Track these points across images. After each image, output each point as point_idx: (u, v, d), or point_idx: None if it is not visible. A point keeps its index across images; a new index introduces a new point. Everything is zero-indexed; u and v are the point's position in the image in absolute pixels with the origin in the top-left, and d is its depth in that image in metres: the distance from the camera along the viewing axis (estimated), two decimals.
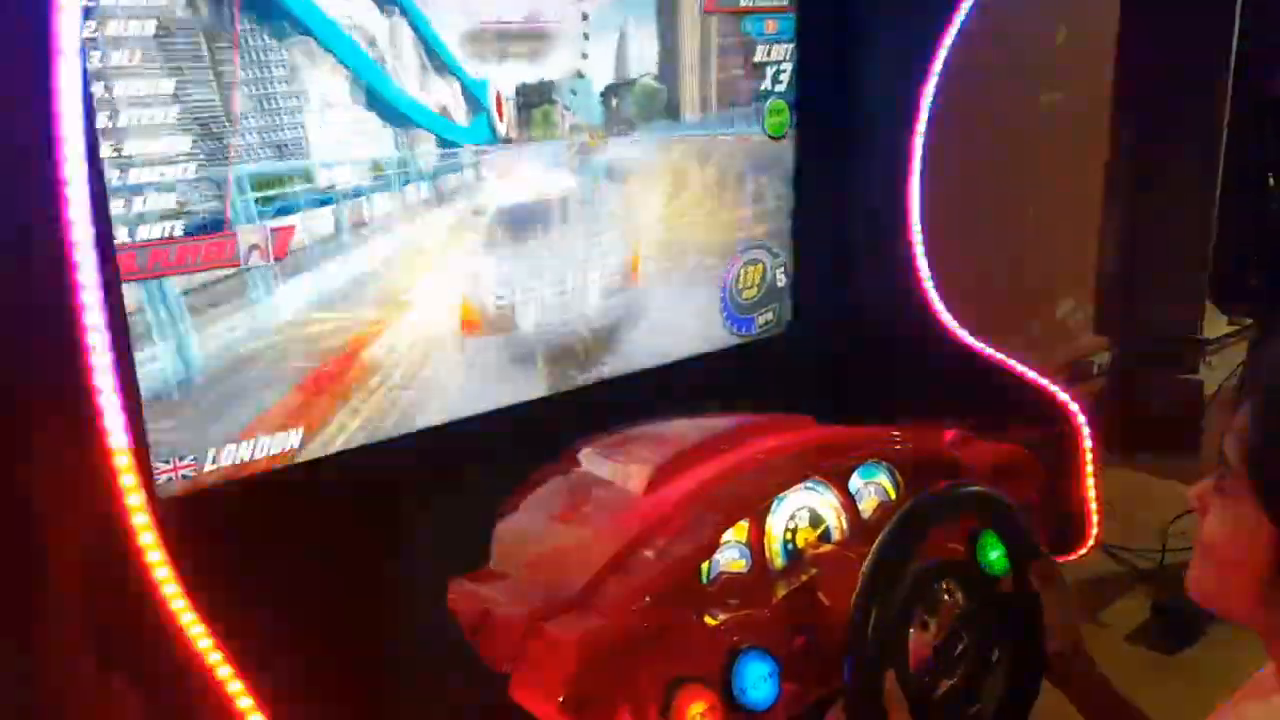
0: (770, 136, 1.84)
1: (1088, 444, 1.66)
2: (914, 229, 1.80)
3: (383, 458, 1.42)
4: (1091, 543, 1.67)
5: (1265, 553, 0.84)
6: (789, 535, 1.33)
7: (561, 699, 1.10)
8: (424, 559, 1.31)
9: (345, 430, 1.40)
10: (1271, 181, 2.26)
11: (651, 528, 1.25)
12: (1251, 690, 0.97)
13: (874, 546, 1.16)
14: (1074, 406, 1.67)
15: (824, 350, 1.87)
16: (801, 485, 1.33)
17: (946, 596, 1.24)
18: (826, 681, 1.25)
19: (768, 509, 1.30)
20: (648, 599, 1.17)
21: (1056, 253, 3.30)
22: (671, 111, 1.69)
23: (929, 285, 1.82)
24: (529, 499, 1.41)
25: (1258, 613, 0.87)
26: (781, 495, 1.30)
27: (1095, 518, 1.70)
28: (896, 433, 1.46)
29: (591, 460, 1.45)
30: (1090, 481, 1.67)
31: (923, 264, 1.81)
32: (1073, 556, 1.66)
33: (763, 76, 1.79)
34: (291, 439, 1.35)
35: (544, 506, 1.38)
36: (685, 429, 1.49)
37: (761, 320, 1.89)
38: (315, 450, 1.37)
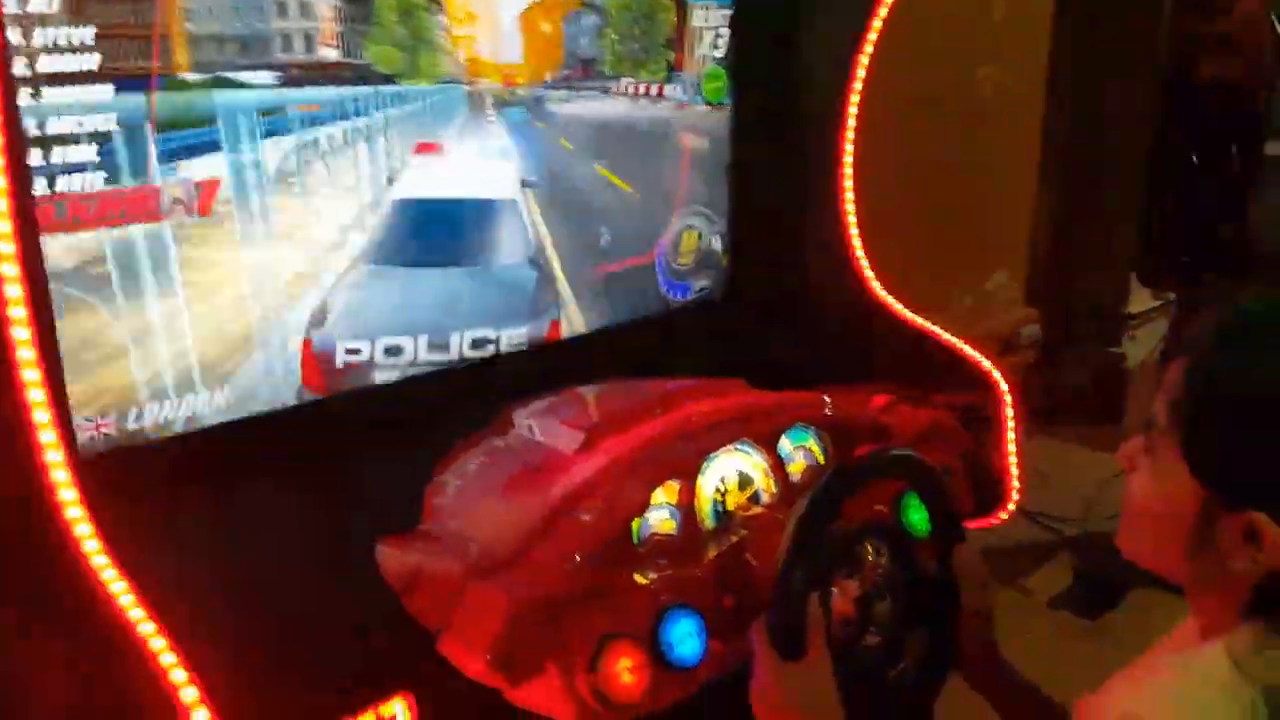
0: (707, 104, 1.85)
1: (1010, 411, 1.70)
2: (847, 199, 1.82)
3: (313, 419, 1.41)
4: (1012, 505, 1.72)
5: (1189, 507, 0.88)
6: (719, 497, 1.35)
7: (490, 654, 1.11)
8: (355, 520, 1.31)
9: (270, 389, 1.39)
10: (1196, 162, 2.32)
11: (583, 488, 1.26)
12: (1172, 642, 1.01)
13: (800, 505, 1.18)
14: (997, 374, 1.71)
15: (758, 317, 1.89)
16: (731, 447, 1.34)
17: (871, 558, 1.27)
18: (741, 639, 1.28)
19: (698, 470, 1.32)
20: (578, 558, 1.18)
21: (991, 226, 3.36)
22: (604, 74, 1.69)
23: (861, 255, 1.84)
24: (461, 461, 1.41)
25: (1182, 566, 0.91)
26: (711, 456, 1.32)
27: (1016, 482, 1.74)
28: (825, 398, 1.48)
29: (524, 423, 1.45)
30: (1011, 447, 1.71)
31: (855, 234, 1.83)
32: (994, 519, 1.70)
33: (700, 42, 1.79)
34: (219, 397, 1.33)
35: (476, 468, 1.39)
36: (618, 392, 1.51)
37: (697, 286, 1.90)
38: (243, 408, 1.36)
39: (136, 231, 1.21)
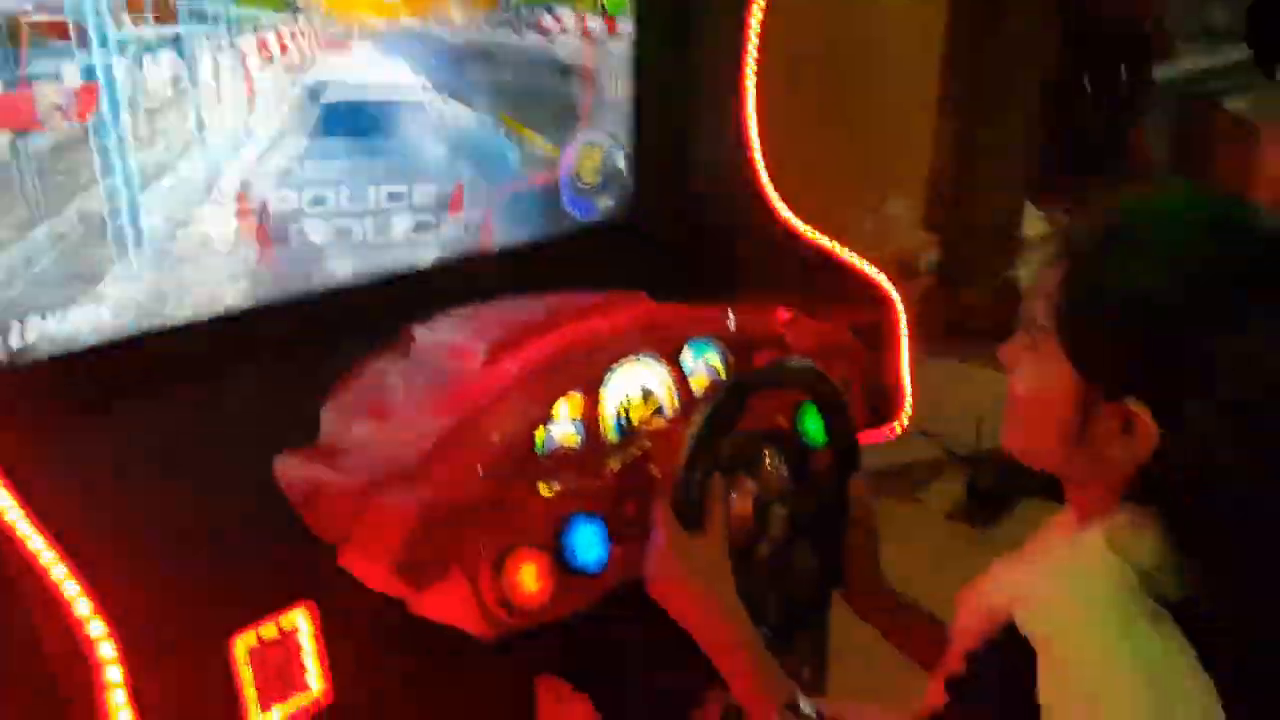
0: (609, 16, 1.82)
1: (904, 327, 1.75)
2: (749, 117, 1.83)
3: (209, 335, 1.39)
4: (905, 419, 1.77)
5: (1069, 401, 0.91)
6: (622, 410, 1.36)
7: (393, 565, 1.12)
8: (252, 436, 1.29)
9: (167, 306, 1.35)
10: (1089, 88, 2.39)
11: (485, 401, 1.26)
12: (1049, 533, 1.06)
13: (705, 405, 1.20)
14: (893, 292, 1.75)
15: (663, 235, 1.90)
16: (634, 360, 1.36)
17: (769, 465, 1.30)
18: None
19: (600, 382, 1.33)
20: (481, 470, 1.19)
21: (891, 151, 3.41)
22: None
23: (763, 173, 1.85)
24: (361, 377, 1.40)
25: (1060, 458, 0.95)
26: (614, 369, 1.33)
27: (909, 397, 1.80)
28: (728, 311, 1.50)
29: (426, 338, 1.44)
30: (905, 362, 1.76)
31: (758, 152, 1.85)
32: (887, 433, 1.76)
33: None
34: (109, 312, 1.29)
35: (377, 383, 1.38)
36: (521, 306, 1.50)
37: (602, 205, 1.89)
38: (138, 325, 1.32)
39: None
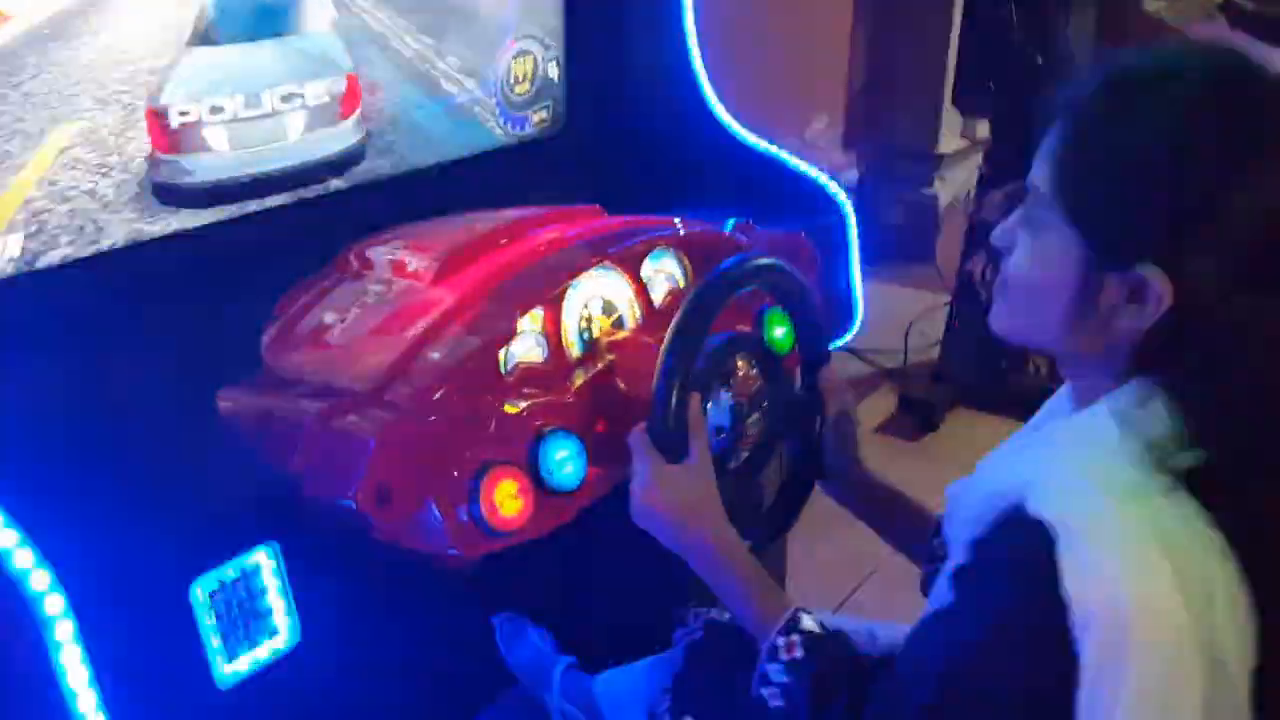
0: None
1: (854, 234, 1.72)
2: (688, 20, 1.76)
3: (138, 262, 1.28)
4: (856, 325, 1.75)
5: (1074, 271, 0.88)
6: (584, 324, 1.30)
7: (361, 492, 1.05)
8: (193, 368, 1.19)
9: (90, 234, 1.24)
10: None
11: (443, 318, 1.19)
12: (1052, 411, 1.04)
13: (677, 314, 1.14)
14: (841, 197, 1.72)
15: (602, 147, 1.82)
16: (594, 271, 1.29)
17: (742, 371, 1.26)
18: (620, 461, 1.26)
19: (562, 296, 1.27)
20: (444, 390, 1.12)
21: (814, 69, 3.37)
22: None
23: (704, 78, 1.79)
24: (302, 301, 1.31)
25: (1061, 334, 0.91)
26: (575, 282, 1.27)
27: (860, 306, 1.77)
28: (683, 221, 1.44)
29: (368, 257, 1.36)
30: (856, 270, 1.73)
31: (697, 57, 1.78)
32: (846, 337, 1.73)
33: None
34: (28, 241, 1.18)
35: (317, 308, 1.29)
36: (469, 222, 1.42)
37: (536, 118, 1.81)
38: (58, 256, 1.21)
39: None
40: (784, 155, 1.77)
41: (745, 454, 1.25)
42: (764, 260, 1.24)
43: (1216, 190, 0.80)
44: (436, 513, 1.07)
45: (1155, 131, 0.83)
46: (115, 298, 1.23)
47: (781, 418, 1.27)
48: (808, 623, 1.02)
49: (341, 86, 1.49)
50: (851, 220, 1.71)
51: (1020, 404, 1.25)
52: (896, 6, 3.54)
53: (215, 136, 1.35)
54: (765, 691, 1.02)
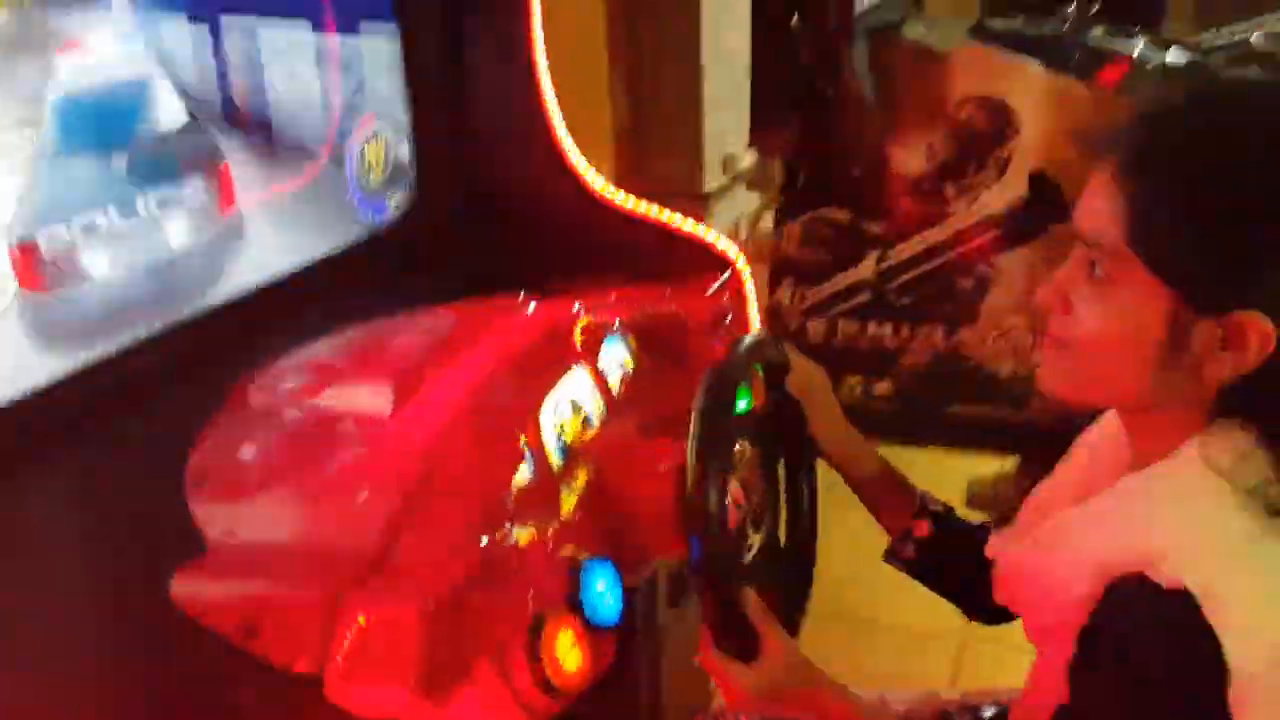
0: None
1: (749, 283, 1.68)
2: (544, 85, 1.66)
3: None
4: None
5: (1161, 321, 0.85)
6: (559, 430, 1.18)
7: (413, 678, 0.88)
8: (120, 557, 0.97)
9: None
10: (796, 21, 2.44)
11: (435, 455, 1.03)
12: (1099, 475, 1.01)
13: (694, 421, 1.05)
14: (734, 253, 1.68)
15: (465, 227, 1.69)
16: (568, 373, 1.18)
17: (738, 456, 1.18)
18: (640, 569, 1.16)
19: (539, 406, 1.14)
20: (474, 540, 0.97)
21: (576, 122, 3.31)
22: None
23: (566, 140, 1.69)
24: (231, 455, 1.10)
25: (1142, 389, 0.89)
26: (557, 387, 1.15)
27: None
28: (620, 295, 1.35)
29: (287, 393, 1.16)
30: (756, 316, 1.69)
31: (557, 118, 1.68)
32: None
33: None
34: None
35: (260, 459, 1.09)
36: (391, 333, 1.26)
37: (394, 203, 1.64)
38: None
39: None
40: (661, 214, 1.71)
41: (759, 534, 1.17)
42: (756, 338, 1.18)
43: None
44: (495, 684, 0.91)
45: (1246, 170, 0.83)
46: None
47: (777, 459, 1.21)
48: None
49: (217, 179, 1.30)
50: (745, 273, 1.67)
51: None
52: (647, 51, 3.56)
53: (94, 261, 1.13)
54: None
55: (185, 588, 0.95)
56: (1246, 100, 0.87)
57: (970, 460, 2.98)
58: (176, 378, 1.21)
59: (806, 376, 1.22)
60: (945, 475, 2.94)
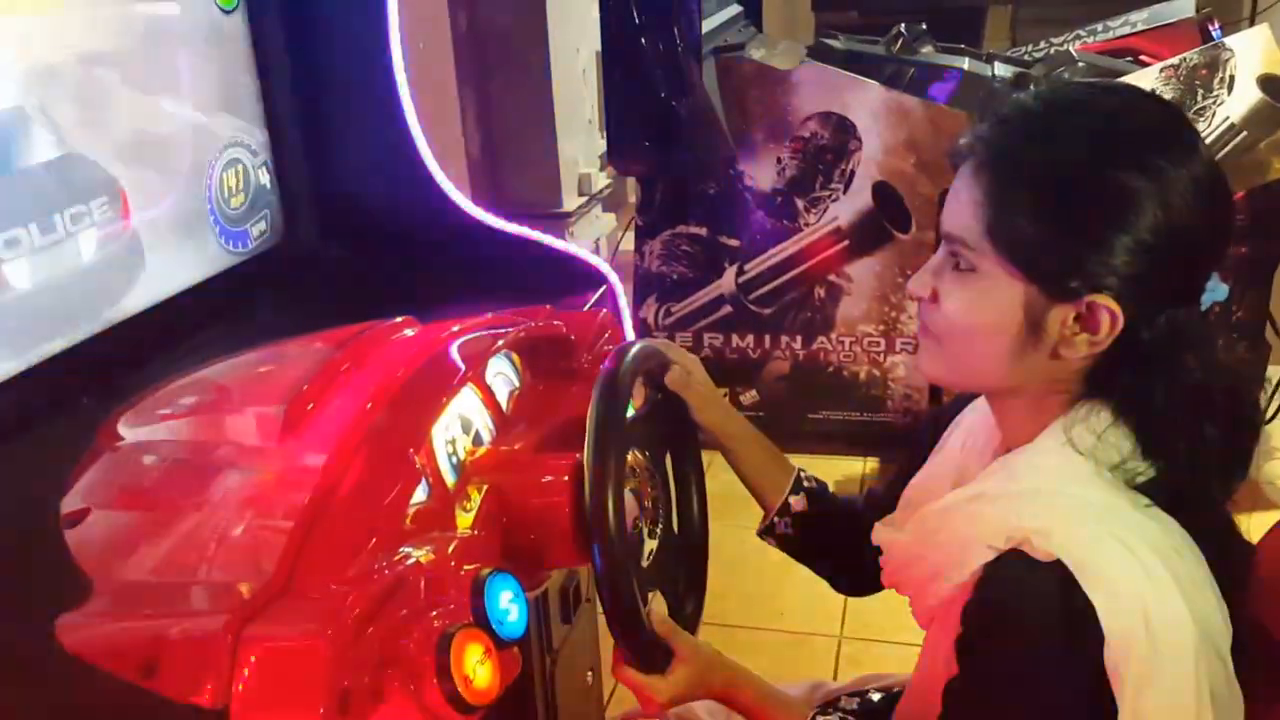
0: (220, 9, 1.54)
1: (624, 300, 1.71)
2: (403, 98, 1.65)
3: None
4: None
5: (1018, 309, 0.92)
6: (450, 449, 1.18)
7: (324, 706, 0.86)
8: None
9: None
10: (644, 44, 2.49)
11: (329, 478, 1.02)
12: (969, 460, 1.08)
13: (589, 430, 1.07)
14: (605, 268, 1.71)
15: (331, 254, 1.67)
16: (458, 393, 1.17)
17: (637, 459, 1.20)
18: (537, 582, 1.17)
19: (433, 423, 1.14)
20: (372, 560, 0.96)
21: (432, 145, 3.29)
22: None
23: (430, 161, 1.70)
24: (110, 491, 1.06)
25: (1006, 372, 0.95)
26: (446, 406, 1.14)
27: None
28: (501, 314, 1.36)
29: (164, 426, 1.13)
30: (630, 328, 1.73)
31: (419, 138, 1.68)
32: None
33: None
34: None
35: (141, 491, 1.05)
36: (269, 362, 1.24)
37: (256, 231, 1.61)
38: None
39: None
40: (532, 234, 1.72)
41: (656, 527, 1.20)
42: (645, 345, 1.20)
43: (1148, 207, 0.88)
44: (404, 705, 0.90)
45: (1072, 162, 0.89)
46: None
47: (662, 458, 1.24)
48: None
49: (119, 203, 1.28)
50: (620, 290, 1.70)
51: None
52: (496, 76, 3.58)
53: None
54: None
55: (73, 630, 0.91)
56: (1086, 100, 0.94)
57: (833, 463, 3.10)
58: (38, 415, 1.16)
59: (682, 368, 1.25)
60: None
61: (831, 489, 1.33)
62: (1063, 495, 0.93)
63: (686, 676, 1.08)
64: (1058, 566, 0.87)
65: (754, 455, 1.29)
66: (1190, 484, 0.93)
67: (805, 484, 1.30)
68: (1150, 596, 0.87)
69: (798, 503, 1.28)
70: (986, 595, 0.92)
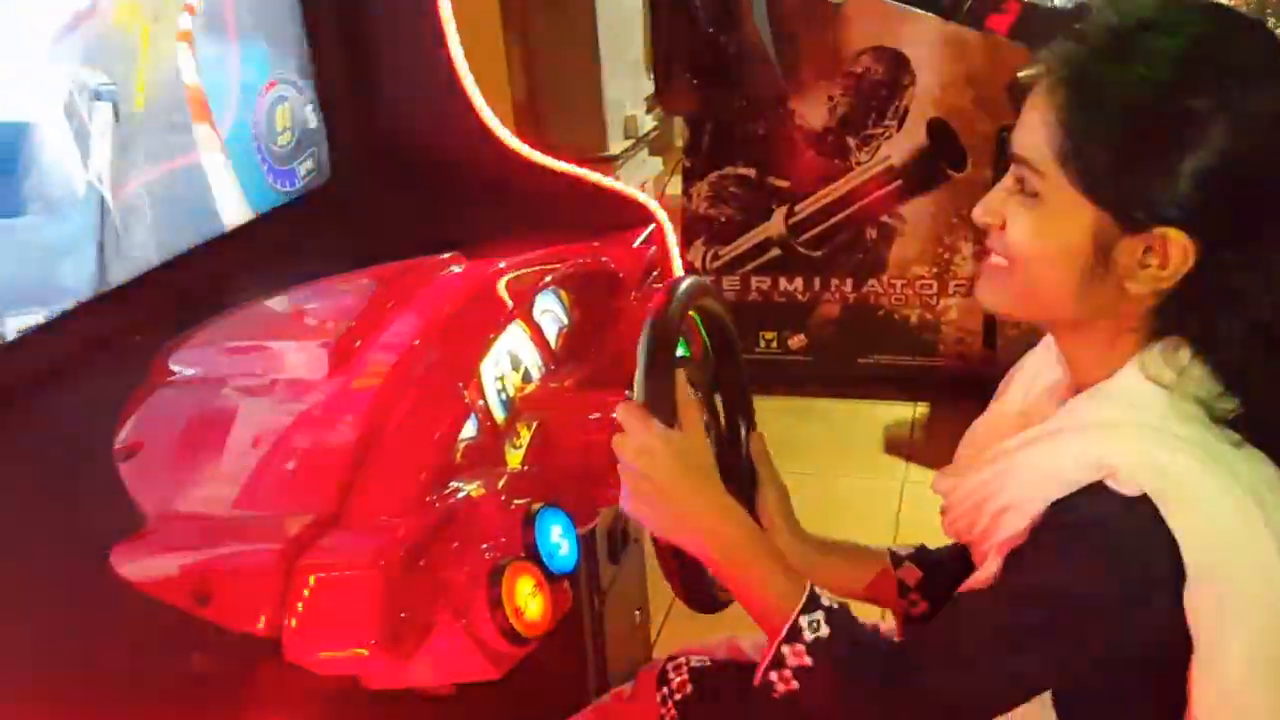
0: None
1: (673, 239, 1.69)
2: (450, 34, 1.63)
3: None
4: None
5: (1087, 238, 0.88)
6: (500, 385, 1.17)
7: (375, 634, 0.87)
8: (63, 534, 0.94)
9: None
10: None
11: (377, 412, 1.01)
12: (1036, 404, 1.04)
13: (640, 363, 1.05)
14: (654, 205, 1.68)
15: (378, 192, 1.65)
16: (506, 329, 1.16)
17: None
18: (588, 519, 1.16)
19: (480, 360, 1.13)
20: (424, 493, 0.96)
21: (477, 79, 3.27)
22: None
23: (477, 98, 1.67)
24: (162, 426, 1.07)
25: (1073, 304, 0.91)
26: (494, 342, 1.13)
27: None
28: (549, 251, 1.34)
29: (214, 362, 1.13)
30: (680, 267, 1.70)
31: (466, 75, 1.66)
32: None
33: None
34: None
35: (194, 426, 1.06)
36: (318, 298, 1.23)
37: (303, 170, 1.60)
38: None
39: None
40: (579, 170, 1.70)
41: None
42: (693, 280, 1.18)
43: (1224, 140, 0.84)
44: (459, 637, 0.91)
45: (1163, 82, 0.85)
46: None
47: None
48: (827, 599, 0.95)
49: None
50: (669, 228, 1.67)
51: None
52: (543, 20, 3.53)
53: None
54: (774, 675, 0.93)
55: (127, 561, 0.92)
56: (1175, 21, 0.89)
57: (883, 408, 3.06)
58: (96, 351, 1.17)
59: (766, 494, 1.19)
60: (860, 424, 3.02)
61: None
62: (1148, 428, 0.89)
63: (681, 448, 0.97)
64: (1142, 500, 0.84)
65: (841, 575, 1.18)
66: (1274, 419, 0.90)
67: (901, 555, 1.19)
68: (1242, 534, 0.84)
69: (911, 575, 1.17)
70: (1061, 518, 0.88)
